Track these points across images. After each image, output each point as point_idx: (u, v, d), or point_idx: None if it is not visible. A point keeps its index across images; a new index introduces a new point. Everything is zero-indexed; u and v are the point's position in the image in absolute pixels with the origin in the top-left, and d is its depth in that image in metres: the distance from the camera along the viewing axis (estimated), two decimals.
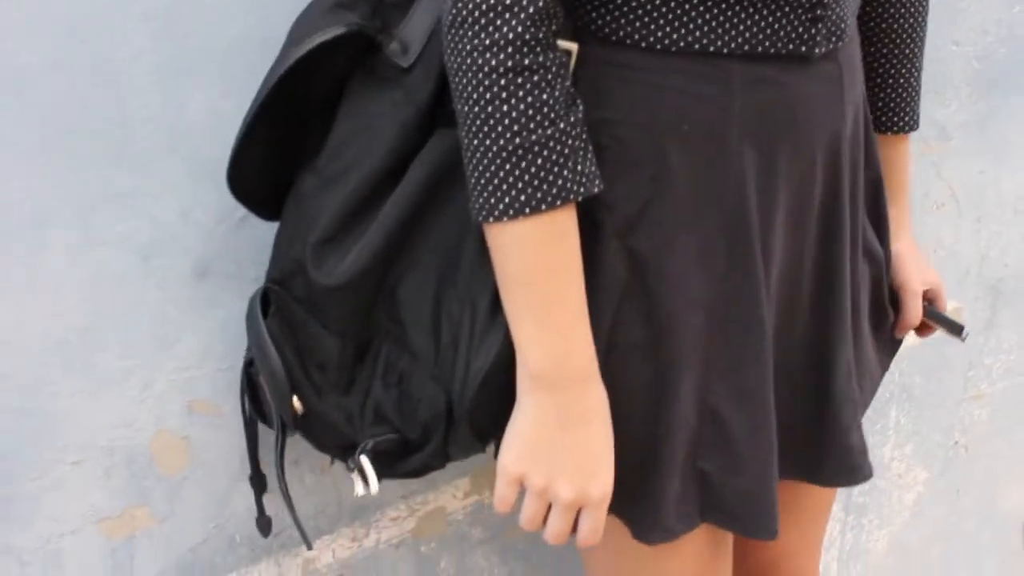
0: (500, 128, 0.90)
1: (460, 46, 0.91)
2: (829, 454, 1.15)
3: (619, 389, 1.01)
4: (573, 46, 0.96)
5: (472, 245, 1.02)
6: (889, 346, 1.30)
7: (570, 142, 0.92)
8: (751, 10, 0.97)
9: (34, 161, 1.10)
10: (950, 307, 1.36)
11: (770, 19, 0.98)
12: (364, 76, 1.05)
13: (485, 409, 1.02)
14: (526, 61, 0.90)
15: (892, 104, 1.29)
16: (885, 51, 1.27)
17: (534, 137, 0.90)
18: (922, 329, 1.33)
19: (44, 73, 1.08)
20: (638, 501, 1.07)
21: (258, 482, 1.23)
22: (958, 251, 1.93)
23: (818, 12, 1.00)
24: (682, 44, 0.97)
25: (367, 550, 1.42)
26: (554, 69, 0.91)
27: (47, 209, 1.11)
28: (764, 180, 1.02)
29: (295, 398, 1.09)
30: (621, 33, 0.98)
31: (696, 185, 1.00)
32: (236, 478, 1.28)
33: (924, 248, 1.59)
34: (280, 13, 1.11)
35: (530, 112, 0.90)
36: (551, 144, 0.91)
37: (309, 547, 1.24)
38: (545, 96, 0.91)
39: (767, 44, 0.98)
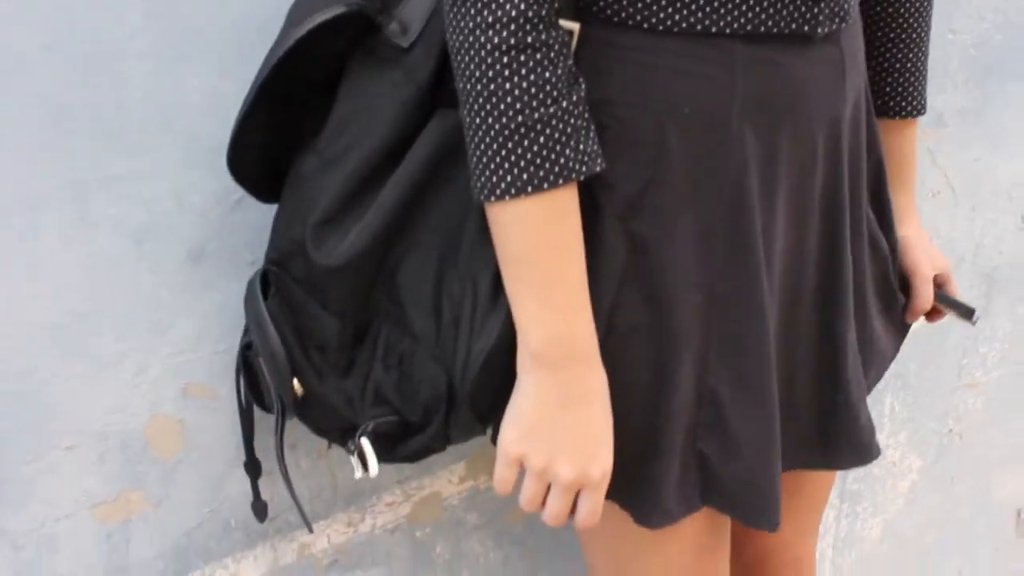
0: (503, 106, 0.90)
1: (462, 24, 0.90)
2: (841, 438, 1.15)
3: (619, 371, 1.01)
4: (575, 26, 0.96)
5: (473, 225, 1.01)
6: (899, 330, 1.30)
7: (572, 121, 0.92)
8: None
9: (28, 144, 1.09)
10: None
11: None
12: (364, 56, 1.05)
13: (487, 390, 1.02)
14: (529, 39, 0.90)
15: (900, 88, 1.29)
16: (892, 35, 1.27)
17: (536, 116, 0.90)
18: (932, 314, 1.33)
19: (39, 55, 1.07)
20: (638, 484, 1.06)
21: (253, 468, 1.23)
22: (953, 239, 1.93)
23: None
24: (684, 25, 0.97)
25: (362, 535, 1.41)
26: (556, 47, 0.91)
27: (41, 192, 1.11)
28: (765, 165, 1.02)
29: (295, 380, 1.09)
30: (623, 14, 0.98)
31: (696, 168, 1.00)
32: (231, 462, 1.28)
33: None
34: None
35: (532, 90, 0.90)
36: (553, 123, 0.91)
37: (310, 530, 1.24)
38: (548, 74, 0.90)
39: (769, 24, 0.98)
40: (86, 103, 1.11)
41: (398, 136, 1.02)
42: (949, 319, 1.36)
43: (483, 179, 0.92)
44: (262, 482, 1.24)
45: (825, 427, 1.15)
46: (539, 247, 0.94)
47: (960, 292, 1.35)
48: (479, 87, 0.91)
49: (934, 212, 1.87)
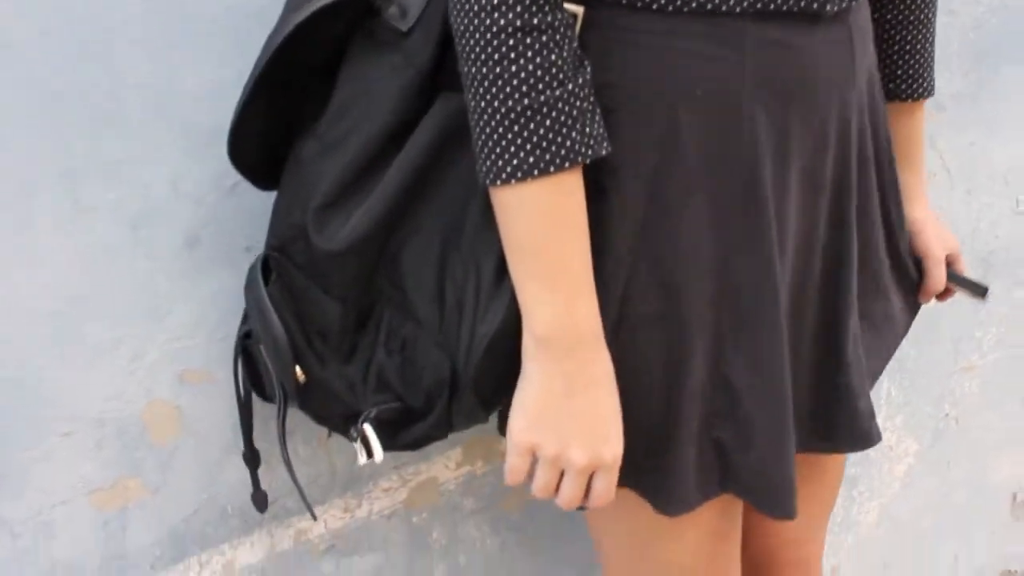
0: (508, 89, 0.90)
1: (467, 6, 0.90)
2: (840, 421, 1.15)
3: (631, 361, 1.00)
4: (579, 9, 0.95)
5: (477, 208, 1.01)
6: (911, 309, 1.29)
7: (578, 104, 0.91)
8: None
9: (23, 130, 1.09)
10: None
11: None
12: (363, 40, 1.04)
13: (490, 375, 1.01)
14: (535, 20, 0.89)
15: (910, 70, 1.28)
16: (900, 17, 1.26)
17: (542, 98, 0.90)
18: (943, 294, 1.33)
19: (34, 40, 1.07)
20: (656, 474, 1.06)
21: (252, 459, 1.23)
22: (949, 223, 1.92)
23: None
24: (693, 4, 0.96)
25: (359, 520, 1.41)
26: (562, 30, 0.91)
27: (36, 179, 1.10)
28: (777, 147, 1.01)
29: (297, 367, 1.09)
30: None
31: (708, 150, 0.99)
32: (228, 448, 1.27)
33: None
34: None
35: (539, 73, 0.90)
36: (559, 106, 0.90)
37: (313, 517, 1.24)
38: (553, 57, 0.90)
39: (779, 1, 0.97)
40: (81, 89, 1.10)
41: (398, 120, 1.02)
42: (958, 297, 1.35)
43: (488, 163, 0.92)
44: (259, 469, 1.24)
45: (826, 411, 1.15)
46: (544, 231, 0.93)
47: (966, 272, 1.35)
48: (484, 70, 0.90)
49: (930, 196, 1.86)
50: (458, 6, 0.91)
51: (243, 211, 1.21)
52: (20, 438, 1.16)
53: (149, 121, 1.14)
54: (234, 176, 1.15)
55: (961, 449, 2.14)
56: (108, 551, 1.24)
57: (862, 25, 1.09)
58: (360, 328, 1.09)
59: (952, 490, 2.16)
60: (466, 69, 0.92)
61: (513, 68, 0.90)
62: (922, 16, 1.27)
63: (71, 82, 1.10)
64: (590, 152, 0.93)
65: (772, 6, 0.97)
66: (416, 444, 1.10)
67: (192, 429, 1.25)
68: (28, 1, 1.06)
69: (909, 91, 1.29)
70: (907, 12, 1.26)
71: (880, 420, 1.95)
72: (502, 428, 1.12)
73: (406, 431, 1.08)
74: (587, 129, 0.92)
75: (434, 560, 1.50)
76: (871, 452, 1.98)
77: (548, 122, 0.90)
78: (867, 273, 1.17)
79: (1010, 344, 2.13)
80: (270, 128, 1.09)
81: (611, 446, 0.99)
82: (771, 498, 1.09)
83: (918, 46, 1.28)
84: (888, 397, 1.98)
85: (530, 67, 0.90)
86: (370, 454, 1.06)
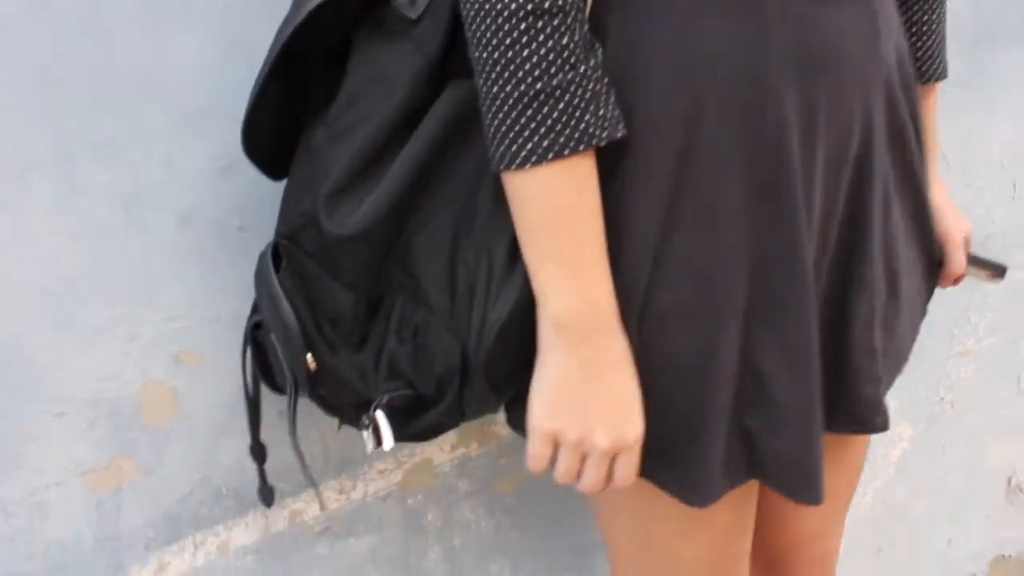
0: (520, 73, 0.89)
1: None
2: (841, 402, 1.13)
3: (658, 352, 1.00)
4: None
5: (488, 194, 1.00)
6: (930, 292, 1.28)
7: (591, 86, 0.91)
8: None
9: (15, 109, 1.09)
10: None
11: None
12: (371, 29, 1.04)
13: (501, 361, 1.00)
14: (545, 4, 0.88)
15: (926, 52, 1.26)
16: None
17: (555, 82, 0.89)
18: (957, 279, 1.32)
19: (27, 19, 1.07)
20: (682, 464, 1.05)
21: (259, 452, 1.23)
22: None
23: None
24: None
25: (354, 502, 1.41)
26: (573, 12, 0.90)
27: (29, 158, 1.10)
28: (804, 124, 1.00)
29: (308, 355, 1.08)
30: None
31: (734, 130, 0.97)
32: (223, 429, 1.27)
33: None
34: None
35: (551, 56, 0.89)
36: (572, 88, 0.90)
37: (322, 507, 1.24)
38: (565, 40, 0.89)
39: None
40: (74, 68, 1.10)
41: (409, 108, 1.01)
42: (972, 280, 1.34)
43: (502, 148, 0.91)
44: (249, 452, 1.24)
45: (830, 392, 1.12)
46: (559, 216, 0.93)
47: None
48: (496, 55, 0.89)
49: None
50: None
51: (236, 191, 1.20)
52: (14, 419, 1.16)
53: (143, 101, 1.14)
54: (227, 156, 1.15)
55: (956, 434, 2.14)
56: (102, 532, 1.24)
57: (886, 3, 1.07)
58: (372, 316, 1.08)
59: (947, 474, 2.17)
60: (476, 54, 0.91)
61: (525, 52, 0.89)
62: None
63: (64, 61, 1.09)
64: (605, 134, 0.92)
65: None
66: (427, 433, 1.10)
67: (187, 410, 1.25)
68: None
69: (926, 73, 1.27)
70: None
71: None
72: (510, 421, 1.12)
73: (418, 419, 1.07)
74: (601, 111, 0.91)
75: (429, 542, 1.50)
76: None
77: (561, 105, 0.90)
78: (890, 255, 1.15)
79: (1005, 329, 2.13)
80: (282, 118, 1.09)
81: (633, 427, 0.98)
82: (798, 482, 1.08)
83: (933, 27, 1.26)
84: None
85: (542, 51, 0.89)
86: (380, 442, 1.06)
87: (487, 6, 0.89)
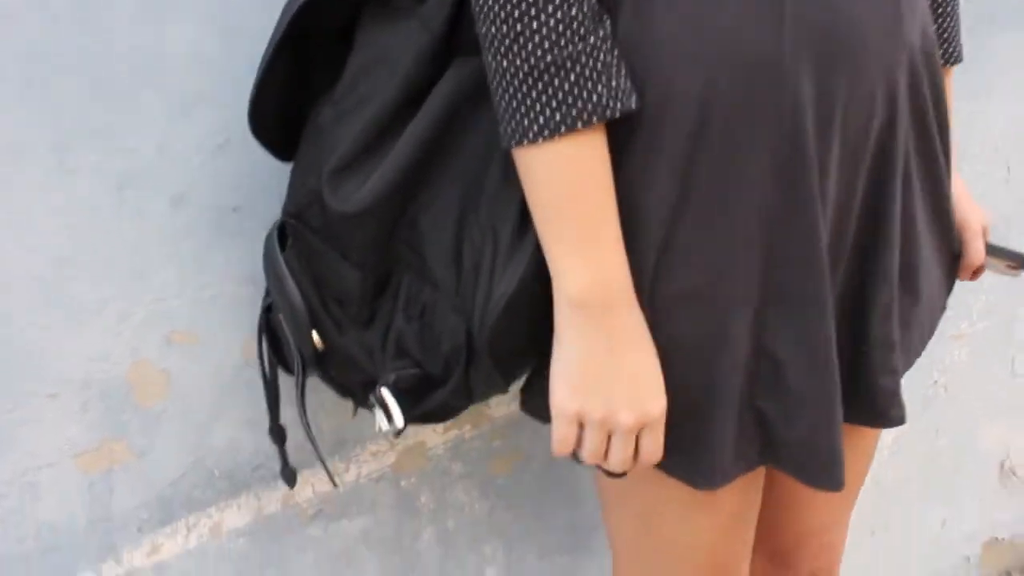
0: (530, 46, 0.88)
1: None
2: (858, 394, 1.12)
3: (667, 336, 0.99)
4: None
5: (495, 171, 0.99)
6: (949, 286, 1.26)
7: (602, 56, 0.90)
8: None
9: (8, 91, 1.08)
10: None
11: None
12: (377, 7, 1.03)
13: (506, 340, 1.00)
14: None
15: (944, 34, 1.24)
16: None
17: (566, 53, 0.88)
18: (975, 272, 1.29)
19: (23, 4, 1.06)
20: (691, 447, 1.04)
21: (279, 434, 1.23)
22: None
23: None
24: None
25: (347, 484, 1.41)
26: None
27: (22, 140, 1.10)
28: (821, 110, 0.98)
29: (315, 333, 1.08)
30: None
31: (748, 115, 0.96)
32: (216, 411, 1.27)
33: None
34: None
35: (560, 28, 0.88)
36: (583, 59, 0.89)
37: (334, 484, 1.24)
38: (574, 11, 0.88)
39: None
40: (68, 52, 1.09)
41: (414, 85, 1.00)
42: (989, 275, 1.32)
43: (513, 123, 0.90)
44: (246, 430, 1.24)
45: (846, 379, 1.11)
46: (573, 192, 0.92)
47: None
48: (504, 28, 0.88)
49: None
50: None
51: (229, 172, 1.20)
52: (5, 399, 1.15)
53: (136, 84, 1.13)
54: (220, 136, 1.14)
55: (950, 417, 2.14)
56: (94, 514, 1.23)
57: None
58: (379, 295, 1.07)
59: (940, 457, 2.17)
60: (484, 29, 0.90)
61: (533, 24, 0.88)
62: None
63: (58, 43, 1.08)
64: (618, 105, 0.91)
65: None
66: (438, 414, 1.09)
67: (179, 391, 1.25)
68: None
69: (942, 55, 1.24)
70: None
71: None
72: (526, 407, 1.11)
73: (427, 399, 1.06)
74: (613, 83, 0.90)
75: (422, 524, 1.50)
76: None
77: (572, 77, 0.89)
78: (907, 247, 1.13)
79: (999, 312, 2.13)
80: (289, 98, 1.08)
81: (656, 401, 0.98)
82: (820, 469, 1.07)
83: (949, 8, 1.24)
84: None
85: (551, 22, 0.88)
86: (391, 420, 1.05)
87: None
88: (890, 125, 1.05)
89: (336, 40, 1.06)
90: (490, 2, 0.89)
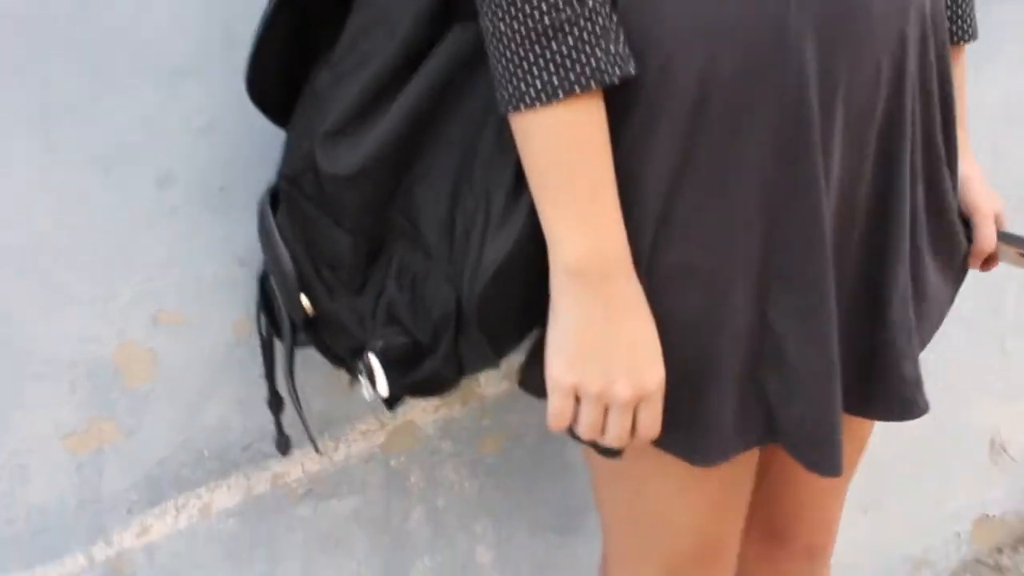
0: (528, 8, 0.87)
1: None
2: (880, 385, 1.10)
3: (664, 310, 0.98)
4: None
5: (489, 138, 0.98)
6: (957, 278, 1.24)
7: (600, 21, 0.89)
8: None
9: None
10: None
11: None
12: None
13: (495, 307, 0.98)
14: None
15: (959, 10, 1.23)
16: None
17: (564, 16, 0.87)
18: (987, 262, 1.26)
19: None
20: (690, 424, 1.04)
21: (275, 403, 1.23)
22: None
23: None
24: None
25: (337, 464, 1.41)
26: None
27: (6, 119, 1.09)
28: (826, 86, 0.97)
29: (304, 298, 1.07)
30: None
31: (750, 89, 0.94)
32: (204, 391, 1.27)
33: None
34: None
35: None
36: (581, 23, 0.88)
37: (317, 450, 1.24)
38: None
39: None
40: (51, 28, 1.08)
41: (412, 49, 0.98)
42: (1004, 267, 1.29)
43: (510, 88, 0.89)
44: (235, 409, 1.24)
45: (866, 373, 1.10)
46: (571, 158, 0.91)
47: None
48: None
49: None
50: None
51: (216, 151, 1.19)
52: None
53: (120, 62, 1.13)
54: (206, 115, 1.14)
55: (940, 395, 2.13)
56: (83, 495, 1.23)
57: None
58: (372, 263, 1.07)
59: (931, 435, 2.17)
60: None
61: None
62: None
63: (41, 23, 1.08)
64: (617, 71, 0.90)
65: None
66: (428, 385, 1.08)
67: (167, 371, 1.24)
68: None
69: (956, 33, 1.22)
70: None
71: None
72: (523, 383, 1.10)
73: (416, 368, 1.05)
74: (611, 47, 0.89)
75: (412, 503, 1.49)
76: None
77: (571, 40, 0.88)
78: (918, 230, 1.11)
79: (990, 290, 2.13)
80: (288, 58, 1.07)
81: (653, 373, 0.96)
82: (817, 452, 1.06)
83: None
84: None
85: None
86: (375, 387, 1.05)
87: None
88: (898, 96, 1.04)
89: (336, 3, 1.05)
90: None
